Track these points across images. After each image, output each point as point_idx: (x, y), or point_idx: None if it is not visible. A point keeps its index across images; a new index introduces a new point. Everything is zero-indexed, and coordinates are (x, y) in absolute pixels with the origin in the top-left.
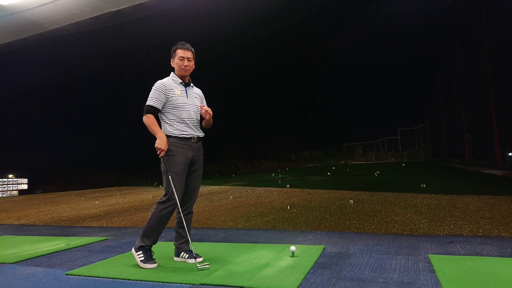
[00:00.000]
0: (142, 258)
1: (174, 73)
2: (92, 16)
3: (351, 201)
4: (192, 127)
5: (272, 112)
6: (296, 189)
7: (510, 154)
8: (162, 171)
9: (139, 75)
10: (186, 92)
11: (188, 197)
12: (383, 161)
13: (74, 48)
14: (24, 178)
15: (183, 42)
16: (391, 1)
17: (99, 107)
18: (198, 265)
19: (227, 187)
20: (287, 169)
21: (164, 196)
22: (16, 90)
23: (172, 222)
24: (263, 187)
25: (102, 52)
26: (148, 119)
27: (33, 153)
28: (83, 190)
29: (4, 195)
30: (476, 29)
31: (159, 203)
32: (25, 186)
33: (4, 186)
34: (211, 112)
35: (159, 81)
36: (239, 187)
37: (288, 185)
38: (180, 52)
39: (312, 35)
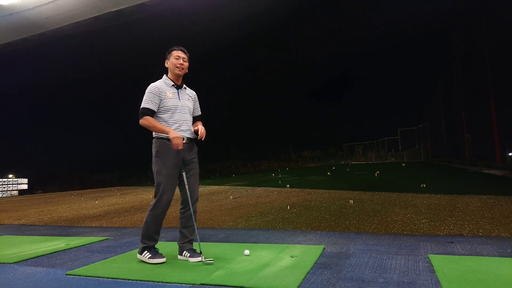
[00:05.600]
0: (149, 255)
1: (167, 75)
2: (92, 16)
3: (351, 201)
4: (183, 128)
5: (272, 112)
6: (296, 189)
7: (510, 154)
8: (153, 172)
9: (139, 75)
10: (178, 94)
11: (190, 197)
12: (383, 161)
13: (74, 48)
14: (24, 178)
15: (178, 45)
16: (391, 1)
17: (99, 107)
18: (203, 260)
19: (227, 187)
20: (287, 169)
21: (155, 197)
22: (16, 90)
23: (175, 222)
24: (263, 187)
25: (102, 52)
26: (147, 121)
27: (33, 153)
28: (83, 190)
29: (4, 195)
30: (476, 29)
31: (152, 204)
32: (25, 186)
33: (4, 186)
34: (203, 133)
35: (152, 84)
36: (239, 187)
37: (288, 185)
38: (176, 52)
39: (311, 36)
